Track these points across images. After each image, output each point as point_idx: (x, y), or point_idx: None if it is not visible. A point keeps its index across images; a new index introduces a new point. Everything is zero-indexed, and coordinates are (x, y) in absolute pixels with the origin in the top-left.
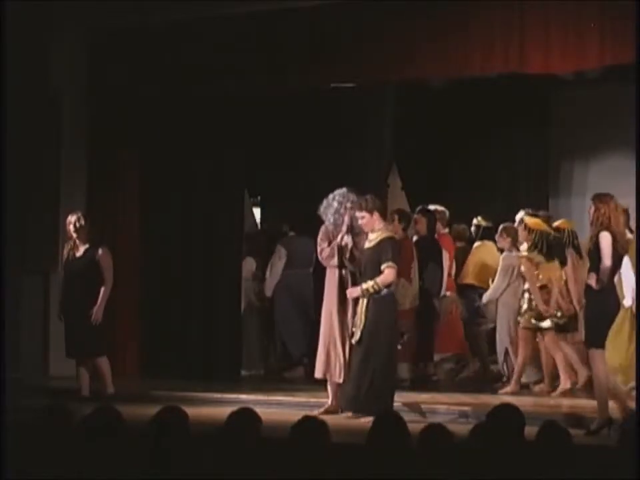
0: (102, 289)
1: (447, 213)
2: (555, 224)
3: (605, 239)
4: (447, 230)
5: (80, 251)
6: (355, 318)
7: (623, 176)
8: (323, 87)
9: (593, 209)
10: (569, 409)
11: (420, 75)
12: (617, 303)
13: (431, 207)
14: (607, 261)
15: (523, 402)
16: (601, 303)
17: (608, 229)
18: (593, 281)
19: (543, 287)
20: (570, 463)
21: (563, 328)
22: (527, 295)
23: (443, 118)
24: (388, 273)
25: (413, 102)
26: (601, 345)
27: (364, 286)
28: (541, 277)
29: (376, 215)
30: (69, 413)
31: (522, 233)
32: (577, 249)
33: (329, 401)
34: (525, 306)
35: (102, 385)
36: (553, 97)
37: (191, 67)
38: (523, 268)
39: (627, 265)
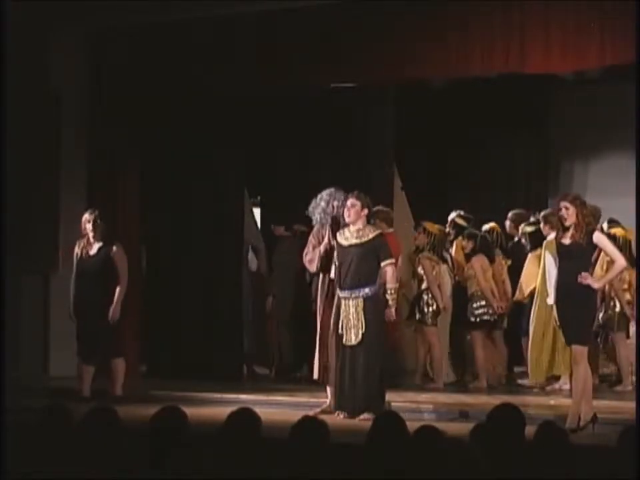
0: (118, 287)
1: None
2: (485, 227)
3: (604, 238)
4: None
5: (94, 249)
6: (344, 320)
7: (623, 176)
8: (323, 87)
9: (572, 210)
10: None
11: (420, 75)
12: (596, 300)
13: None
14: (619, 259)
15: (523, 402)
16: (585, 300)
17: (596, 228)
18: (590, 281)
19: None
20: (569, 463)
21: (493, 325)
22: (425, 295)
23: (443, 118)
24: (392, 269)
25: (413, 102)
26: (585, 342)
27: (391, 299)
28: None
29: (364, 212)
30: (69, 413)
31: (420, 236)
32: (505, 251)
33: (327, 401)
34: (424, 305)
35: (112, 386)
36: (553, 97)
37: (191, 67)
38: (422, 268)
39: (551, 263)
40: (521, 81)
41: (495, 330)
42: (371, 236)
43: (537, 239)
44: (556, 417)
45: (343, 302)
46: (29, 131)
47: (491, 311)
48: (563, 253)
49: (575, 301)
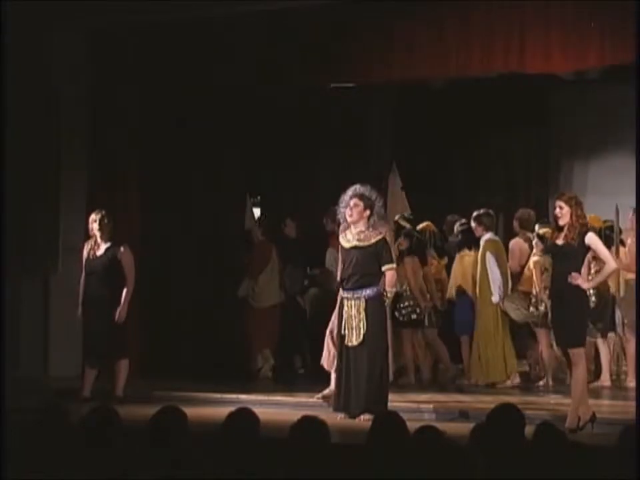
0: (125, 288)
1: None
2: (419, 226)
3: (595, 239)
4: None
5: (101, 250)
6: (347, 320)
7: (623, 176)
8: (323, 87)
9: (566, 209)
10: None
11: (420, 74)
12: (588, 301)
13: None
14: (610, 261)
15: (523, 402)
16: (578, 302)
17: (589, 229)
18: (580, 282)
19: None
20: (568, 463)
21: (418, 323)
22: None
23: (442, 118)
24: (393, 273)
25: (412, 102)
26: (582, 344)
27: (386, 302)
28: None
29: (367, 213)
30: (67, 413)
31: None
32: (438, 250)
33: (330, 387)
34: None
35: (114, 387)
36: (553, 97)
37: (191, 67)
38: None
39: (492, 262)
40: (521, 81)
41: (426, 328)
42: (372, 240)
43: (467, 240)
44: (555, 417)
45: (345, 302)
46: (29, 130)
47: (418, 310)
48: (556, 254)
49: (569, 302)
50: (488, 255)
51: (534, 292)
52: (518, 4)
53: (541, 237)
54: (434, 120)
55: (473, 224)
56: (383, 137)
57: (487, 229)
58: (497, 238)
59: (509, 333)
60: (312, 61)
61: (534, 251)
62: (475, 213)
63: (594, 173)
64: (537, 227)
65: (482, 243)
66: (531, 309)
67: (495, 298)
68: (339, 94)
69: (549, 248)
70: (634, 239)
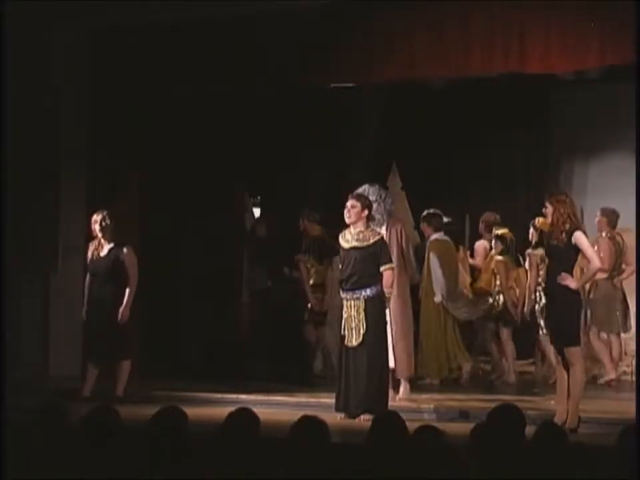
0: (127, 288)
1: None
2: None
3: (582, 238)
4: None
5: (104, 250)
6: (346, 320)
7: (623, 176)
8: (323, 87)
9: (550, 209)
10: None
11: (420, 74)
12: (581, 300)
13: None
14: (594, 260)
15: (524, 402)
16: (572, 302)
17: (578, 227)
18: (569, 282)
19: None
20: (569, 463)
21: None
22: None
23: (442, 118)
24: (391, 273)
25: (413, 102)
26: (578, 343)
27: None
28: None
29: (365, 213)
30: (67, 413)
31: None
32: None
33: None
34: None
35: (114, 387)
36: (553, 97)
37: (191, 67)
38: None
39: (435, 263)
40: (521, 81)
41: None
42: (372, 240)
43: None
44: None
45: (344, 303)
46: (29, 130)
47: None
48: (549, 255)
49: (562, 302)
50: (431, 255)
51: (492, 292)
52: (518, 4)
53: (500, 237)
54: (434, 120)
55: (421, 224)
56: (382, 137)
57: (436, 230)
58: (445, 238)
59: (455, 335)
60: (312, 60)
61: (493, 251)
62: (424, 213)
63: (594, 173)
64: (493, 228)
65: (427, 243)
66: (484, 305)
67: (437, 298)
68: (338, 94)
69: (545, 249)
70: (604, 239)
